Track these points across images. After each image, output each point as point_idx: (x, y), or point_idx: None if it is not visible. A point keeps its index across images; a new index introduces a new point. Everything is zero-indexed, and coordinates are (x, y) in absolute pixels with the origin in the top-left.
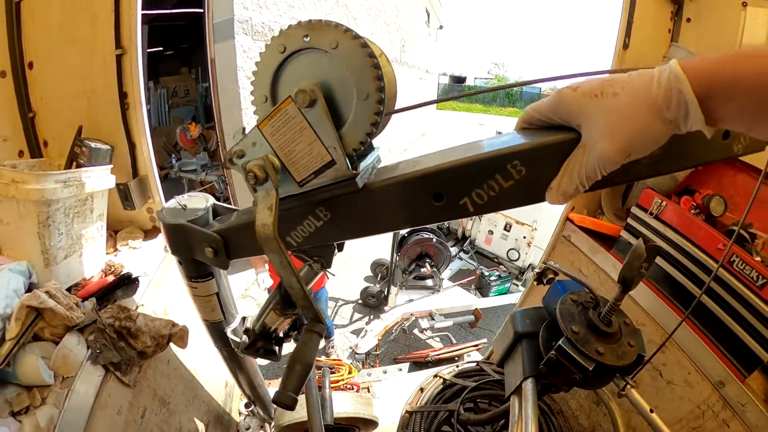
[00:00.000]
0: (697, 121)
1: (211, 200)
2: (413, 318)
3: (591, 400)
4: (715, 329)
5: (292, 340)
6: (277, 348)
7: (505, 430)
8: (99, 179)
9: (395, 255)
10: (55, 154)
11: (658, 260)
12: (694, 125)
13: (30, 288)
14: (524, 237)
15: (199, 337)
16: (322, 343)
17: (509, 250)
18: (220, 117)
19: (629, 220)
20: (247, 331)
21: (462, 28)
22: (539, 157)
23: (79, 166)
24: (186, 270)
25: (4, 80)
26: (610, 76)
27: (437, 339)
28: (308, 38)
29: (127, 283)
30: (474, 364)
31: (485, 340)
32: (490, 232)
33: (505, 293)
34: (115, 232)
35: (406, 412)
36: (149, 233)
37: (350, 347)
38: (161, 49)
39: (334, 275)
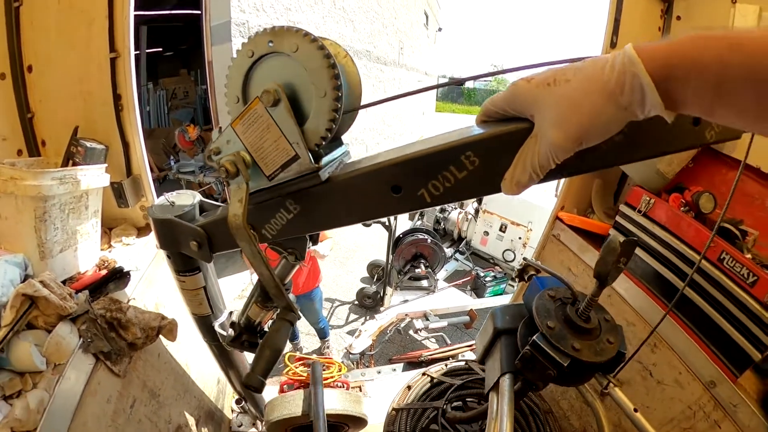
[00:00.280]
0: (655, 105)
1: (198, 197)
2: (408, 319)
3: (582, 400)
4: (706, 328)
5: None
6: (261, 341)
7: None
8: (94, 177)
9: (391, 256)
10: (53, 153)
11: (647, 258)
12: (653, 110)
13: (26, 279)
14: (519, 238)
15: (190, 334)
16: (318, 344)
17: (505, 251)
18: (218, 119)
19: (618, 218)
20: (232, 325)
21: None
22: (491, 147)
23: (75, 164)
24: (174, 264)
25: (4, 82)
26: (565, 65)
27: (433, 340)
28: (272, 43)
29: (119, 276)
30: (463, 363)
31: None
32: (486, 233)
33: (501, 294)
34: (109, 229)
35: (393, 409)
36: (142, 230)
37: (345, 348)
38: (161, 49)
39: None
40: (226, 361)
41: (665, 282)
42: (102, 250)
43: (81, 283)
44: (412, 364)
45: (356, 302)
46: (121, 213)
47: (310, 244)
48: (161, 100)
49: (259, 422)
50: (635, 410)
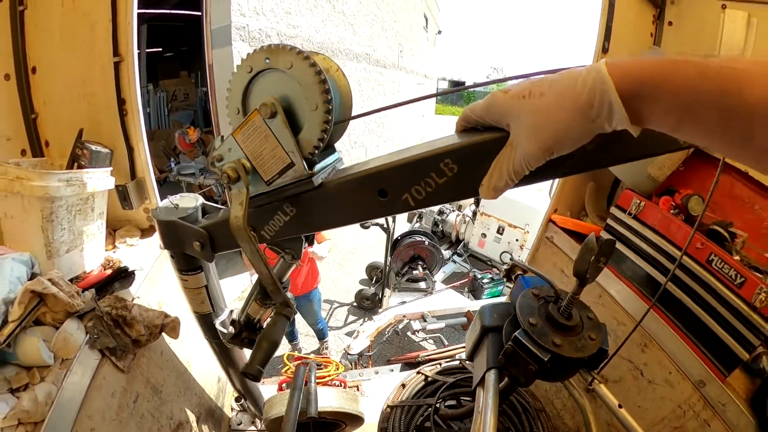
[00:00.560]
0: (622, 120)
1: (201, 200)
2: (406, 320)
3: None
4: (695, 329)
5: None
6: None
7: None
8: (100, 180)
9: (389, 258)
10: (56, 153)
11: (637, 260)
12: (619, 125)
13: (33, 277)
14: (517, 240)
15: (192, 333)
16: (317, 344)
17: (502, 253)
18: (218, 122)
19: (609, 221)
20: (233, 323)
21: (461, 33)
22: (469, 155)
23: (80, 167)
24: (177, 263)
25: (9, 83)
26: (540, 77)
27: (430, 341)
28: (269, 60)
29: (124, 275)
30: (457, 362)
31: None
32: (483, 235)
33: (498, 296)
34: (114, 230)
35: (387, 406)
36: (146, 232)
37: (343, 348)
38: (160, 49)
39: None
40: (227, 359)
41: (655, 283)
42: (107, 250)
43: (87, 281)
44: (409, 365)
45: (355, 304)
46: (125, 215)
47: (306, 244)
48: (161, 101)
49: (258, 420)
50: (620, 406)
